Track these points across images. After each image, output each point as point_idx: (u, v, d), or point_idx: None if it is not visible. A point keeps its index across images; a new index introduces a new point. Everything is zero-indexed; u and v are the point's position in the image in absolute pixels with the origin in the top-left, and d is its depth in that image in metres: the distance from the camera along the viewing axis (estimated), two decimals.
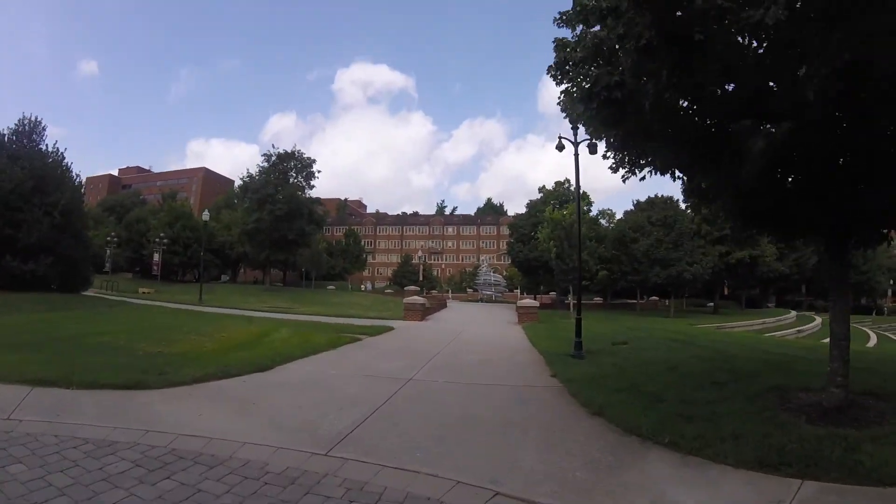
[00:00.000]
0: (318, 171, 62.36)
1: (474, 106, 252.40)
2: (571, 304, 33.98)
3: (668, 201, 59.55)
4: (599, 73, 6.26)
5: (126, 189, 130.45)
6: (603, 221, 51.13)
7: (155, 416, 6.94)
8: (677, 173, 8.22)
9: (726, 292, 64.20)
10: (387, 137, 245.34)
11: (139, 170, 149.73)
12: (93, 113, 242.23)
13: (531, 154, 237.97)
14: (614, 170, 8.70)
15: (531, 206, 54.72)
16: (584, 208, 33.01)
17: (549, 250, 32.62)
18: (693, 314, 47.95)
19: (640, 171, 8.55)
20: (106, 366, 9.66)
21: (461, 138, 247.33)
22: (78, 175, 37.84)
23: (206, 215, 43.62)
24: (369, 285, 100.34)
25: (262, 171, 59.70)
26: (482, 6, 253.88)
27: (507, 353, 15.39)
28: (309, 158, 61.40)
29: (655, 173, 8.04)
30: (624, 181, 9.05)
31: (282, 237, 57.13)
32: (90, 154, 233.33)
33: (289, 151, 60.57)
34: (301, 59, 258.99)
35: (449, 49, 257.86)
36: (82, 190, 39.82)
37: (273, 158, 59.85)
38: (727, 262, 46.93)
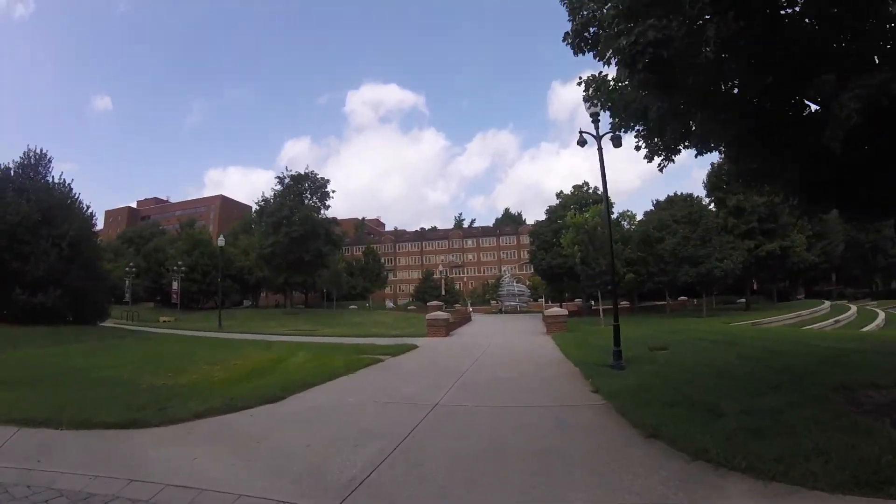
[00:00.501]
0: (333, 191, 61.67)
1: (486, 118, 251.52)
2: (601, 309, 32.83)
3: (689, 198, 58.08)
4: (643, 27, 5.05)
5: (145, 220, 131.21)
6: (624, 223, 49.71)
7: (144, 461, 6.08)
8: (723, 150, 7.29)
9: (755, 287, 62.26)
10: (400, 155, 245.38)
11: (157, 201, 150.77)
12: (108, 148, 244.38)
13: (545, 162, 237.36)
14: (650, 158, 7.83)
15: (551, 211, 53.44)
16: (597, 218, 31.72)
17: (573, 255, 31.47)
18: (725, 312, 46.35)
19: (677, 155, 7.67)
20: (103, 402, 8.92)
21: (474, 151, 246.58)
22: (88, 206, 37.89)
23: (221, 241, 43.16)
24: (391, 303, 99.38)
25: (277, 195, 59.11)
26: (487, 20, 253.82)
27: (539, 367, 14.40)
28: (322, 179, 60.84)
29: (702, 153, 7.06)
30: (661, 169, 8.08)
31: (298, 259, 56.21)
32: (108, 188, 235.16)
33: (302, 173, 59.93)
34: (311, 84, 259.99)
35: (457, 64, 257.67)
36: (93, 220, 39.80)
37: (287, 181, 59.29)
38: (756, 255, 45.23)
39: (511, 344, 22.06)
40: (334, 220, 63.24)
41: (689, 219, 44.23)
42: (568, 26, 6.72)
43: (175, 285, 59.30)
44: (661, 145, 7.55)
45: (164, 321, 48.82)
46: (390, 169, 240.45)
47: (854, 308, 50.69)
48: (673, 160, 7.85)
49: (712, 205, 49.74)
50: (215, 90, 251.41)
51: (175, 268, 59.97)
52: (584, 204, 44.97)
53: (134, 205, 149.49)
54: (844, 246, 59.93)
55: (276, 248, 55.91)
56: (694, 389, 8.86)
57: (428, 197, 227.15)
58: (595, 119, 13.49)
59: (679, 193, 59.16)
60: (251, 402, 9.12)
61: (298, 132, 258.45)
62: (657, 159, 7.86)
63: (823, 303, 52.93)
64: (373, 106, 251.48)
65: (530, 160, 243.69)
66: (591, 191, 50.01)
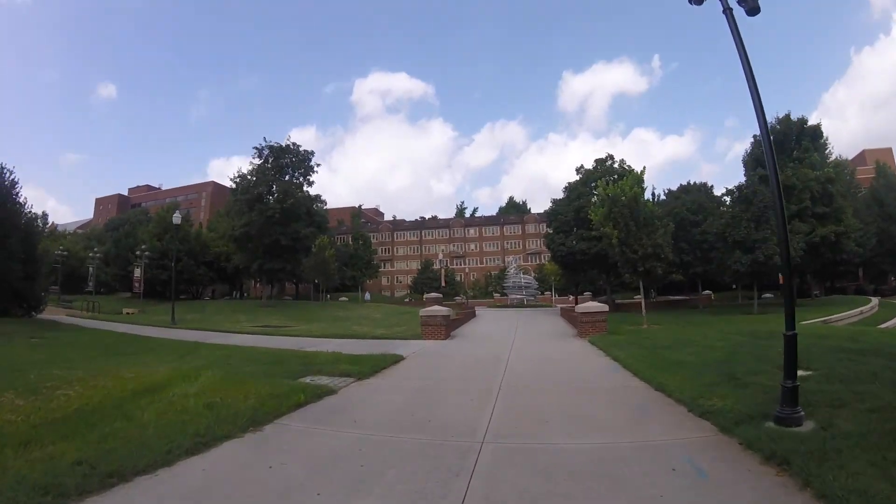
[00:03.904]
0: (318, 165, 54.14)
1: (495, 109, 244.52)
2: (643, 304, 26.03)
3: (703, 187, 51.81)
4: None
5: (135, 208, 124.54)
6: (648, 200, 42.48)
7: None
8: None
9: (781, 281, 55.33)
10: (407, 146, 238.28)
11: (148, 188, 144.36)
12: (112, 136, 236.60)
13: (553, 154, 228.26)
14: None
15: (570, 189, 45.17)
16: (637, 188, 24.81)
17: (609, 235, 24.62)
18: (772, 308, 39.56)
19: None
20: None
21: (482, 142, 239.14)
22: (18, 193, 33.28)
23: (177, 217, 36.51)
24: (383, 295, 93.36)
25: (254, 170, 51.27)
26: (500, 10, 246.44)
27: (619, 415, 7.78)
28: (306, 151, 52.83)
29: None
30: None
31: (275, 242, 48.42)
32: (111, 177, 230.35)
33: (283, 145, 51.81)
34: (319, 72, 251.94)
35: (469, 53, 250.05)
36: (27, 208, 35.15)
37: (265, 153, 51.33)
38: (810, 241, 38.40)
39: (542, 355, 15.25)
40: (318, 197, 55.28)
41: (741, 196, 37.29)
42: None
43: (137, 272, 52.18)
44: None
45: (128, 313, 44.04)
46: (396, 160, 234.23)
47: None
48: None
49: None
50: (222, 79, 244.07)
51: (139, 252, 52.83)
52: (609, 181, 37.67)
53: (125, 192, 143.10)
54: (877, 240, 53.07)
55: (251, 230, 48.18)
56: None
57: (433, 188, 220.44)
58: None
59: (693, 182, 53.68)
60: None
61: (304, 121, 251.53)
62: None
63: (871, 300, 46.24)
64: (381, 95, 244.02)
65: (538, 151, 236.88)
66: (616, 165, 42.88)
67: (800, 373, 9.78)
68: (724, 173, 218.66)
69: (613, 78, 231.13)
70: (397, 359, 12.98)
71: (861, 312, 37.34)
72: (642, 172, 26.32)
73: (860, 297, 54.45)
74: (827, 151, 45.81)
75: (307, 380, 9.97)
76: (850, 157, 73.90)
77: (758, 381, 8.82)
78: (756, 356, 12.06)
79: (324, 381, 9.90)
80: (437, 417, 7.36)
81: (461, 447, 5.92)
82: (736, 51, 7.77)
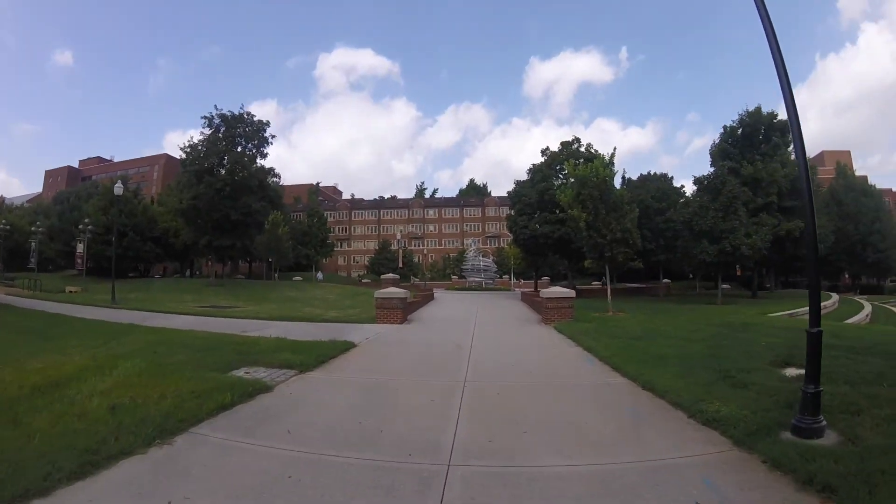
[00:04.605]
0: (273, 136, 51.01)
1: (460, 91, 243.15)
2: (609, 290, 25.08)
3: (664, 178, 51.41)
4: None
5: (86, 181, 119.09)
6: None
7: None
8: None
9: (739, 273, 55.90)
10: (369, 125, 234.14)
11: (100, 160, 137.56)
12: (68, 106, 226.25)
13: (516, 138, 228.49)
14: None
15: (535, 171, 43.78)
16: (605, 170, 23.62)
17: (577, 219, 23.47)
18: (733, 299, 39.31)
19: None
20: None
21: (446, 124, 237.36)
22: None
23: (118, 188, 34.23)
24: (339, 275, 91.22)
25: (205, 140, 47.60)
26: None
27: (611, 422, 6.59)
28: (260, 121, 49.53)
29: None
30: None
31: (224, 217, 45.45)
32: (65, 149, 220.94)
33: (236, 114, 48.16)
34: (282, 44, 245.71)
35: (436, 33, 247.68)
36: None
37: (216, 122, 47.69)
38: (776, 234, 38.28)
39: (508, 343, 14.09)
40: (272, 171, 52.10)
41: (709, 186, 36.63)
42: None
43: (80, 248, 49.21)
44: None
45: (71, 291, 41.12)
46: (358, 138, 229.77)
47: (868, 304, 44.47)
48: None
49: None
50: (183, 48, 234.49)
51: (81, 226, 49.76)
52: (578, 163, 36.27)
53: (76, 164, 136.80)
54: (834, 238, 54.21)
55: (199, 203, 45.05)
56: None
57: (394, 169, 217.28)
58: None
59: (654, 173, 53.45)
60: None
61: (265, 95, 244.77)
62: None
63: (831, 295, 46.77)
64: (345, 71, 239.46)
65: (501, 135, 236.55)
66: (582, 148, 41.28)
67: (796, 371, 8.95)
68: (683, 166, 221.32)
69: (580, 67, 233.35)
70: (347, 346, 11.62)
71: (824, 307, 37.28)
72: (612, 155, 25.07)
73: (822, 293, 54.65)
74: (790, 149, 45.76)
75: (241, 372, 8.60)
76: (810, 157, 75.60)
77: (756, 381, 7.89)
78: (742, 351, 11.19)
79: (260, 373, 8.54)
80: (392, 426, 6.03)
81: (422, 473, 4.63)
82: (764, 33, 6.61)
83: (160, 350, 10.94)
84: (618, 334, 14.34)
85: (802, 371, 8.70)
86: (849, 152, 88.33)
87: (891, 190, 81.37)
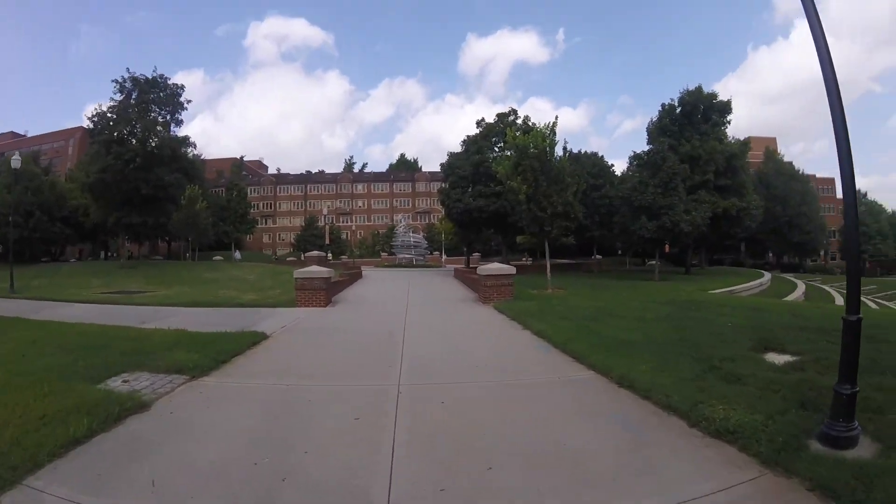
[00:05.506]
0: (189, 101, 46.86)
1: (395, 65, 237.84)
2: (548, 267, 23.86)
3: (594, 157, 50.95)
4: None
5: None
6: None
7: None
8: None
9: (667, 250, 56.38)
10: (300, 97, 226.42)
11: (13, 135, 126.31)
12: None
13: (449, 115, 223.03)
14: None
15: (470, 143, 42.02)
16: (545, 140, 22.29)
17: (516, 191, 22.01)
18: (669, 276, 39.02)
19: None
20: None
21: (379, 98, 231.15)
22: None
23: (15, 161, 30.62)
24: (264, 253, 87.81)
25: (115, 107, 42.56)
26: None
27: (599, 439, 5.02)
28: (175, 85, 45.19)
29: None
30: None
31: (134, 191, 41.17)
32: None
33: (149, 77, 43.49)
34: (211, 10, 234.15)
35: (373, 4, 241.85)
36: None
37: (128, 86, 42.87)
38: (714, 211, 38.36)
39: (447, 328, 12.36)
40: (186, 139, 47.54)
41: (649, 162, 35.90)
42: None
43: None
44: None
45: None
46: (288, 111, 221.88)
47: (800, 282, 45.70)
48: None
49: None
50: (105, 12, 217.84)
51: None
52: (519, 131, 34.66)
53: None
54: (763, 218, 55.82)
55: (106, 176, 40.52)
56: None
57: (324, 143, 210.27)
58: None
59: (585, 151, 52.14)
60: None
61: (191, 64, 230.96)
62: None
63: (764, 273, 47.70)
64: (276, 40, 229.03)
65: (434, 111, 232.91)
66: (519, 121, 39.19)
67: (781, 357, 8.07)
68: (612, 147, 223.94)
69: (517, 45, 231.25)
70: (257, 339, 9.82)
71: (760, 285, 38.05)
72: (554, 124, 23.43)
73: (751, 269, 57.20)
74: (726, 128, 46.11)
75: (118, 381, 6.78)
76: (738, 140, 78.70)
77: (746, 372, 6.77)
78: (709, 333, 10.14)
79: (142, 382, 6.74)
80: (301, 465, 4.31)
81: None
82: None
83: (30, 352, 8.89)
84: (566, 315, 13.07)
85: (788, 357, 8.11)
86: (775, 139, 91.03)
87: (814, 176, 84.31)
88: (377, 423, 5.34)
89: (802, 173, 77.16)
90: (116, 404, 5.63)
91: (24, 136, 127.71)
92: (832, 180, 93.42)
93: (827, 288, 46.26)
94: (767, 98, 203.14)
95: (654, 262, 43.68)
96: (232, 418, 5.58)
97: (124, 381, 6.78)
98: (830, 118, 4.75)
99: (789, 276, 54.75)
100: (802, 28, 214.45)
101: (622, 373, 6.89)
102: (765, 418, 5.00)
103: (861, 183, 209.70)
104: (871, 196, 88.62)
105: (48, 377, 6.78)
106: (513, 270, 18.05)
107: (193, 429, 5.30)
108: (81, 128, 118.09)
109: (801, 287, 41.24)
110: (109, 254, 71.15)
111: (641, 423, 5.33)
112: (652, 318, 12.40)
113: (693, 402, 5.58)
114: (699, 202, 36.10)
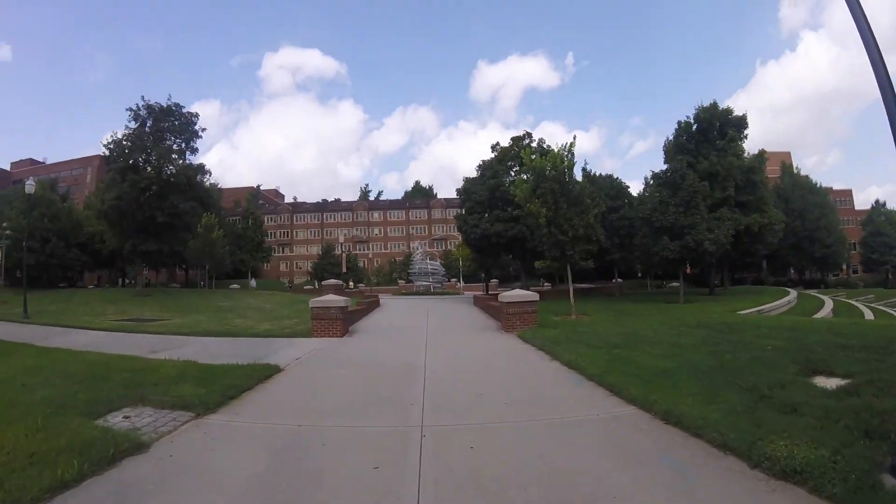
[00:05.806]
0: (203, 130, 46.81)
1: (408, 93, 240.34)
2: (571, 291, 23.21)
3: (609, 178, 50.46)
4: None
5: (17, 184, 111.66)
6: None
7: None
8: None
9: (689, 271, 55.41)
10: (315, 127, 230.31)
11: (32, 162, 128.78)
12: (4, 104, 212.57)
13: (462, 141, 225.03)
14: None
15: (485, 167, 41.95)
16: (564, 161, 21.75)
17: (535, 214, 21.43)
18: (692, 297, 38.04)
19: None
20: None
21: (393, 126, 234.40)
22: None
23: (30, 186, 30.54)
24: (280, 281, 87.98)
25: (130, 135, 42.94)
26: None
27: (658, 496, 4.25)
28: (190, 114, 45.19)
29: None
30: None
31: (149, 219, 41.32)
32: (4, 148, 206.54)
33: (164, 106, 43.81)
34: (226, 42, 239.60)
35: (385, 34, 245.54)
36: None
37: (143, 115, 43.30)
38: (737, 229, 37.25)
39: (470, 360, 11.78)
40: (202, 167, 47.91)
41: (668, 181, 35.21)
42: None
43: None
44: None
45: None
46: (303, 140, 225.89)
47: (827, 299, 44.47)
48: None
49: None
50: (123, 42, 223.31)
51: None
52: (536, 153, 34.22)
53: (7, 167, 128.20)
54: (783, 234, 54.73)
55: (122, 204, 40.79)
56: None
57: (340, 172, 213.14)
58: None
59: (600, 174, 51.69)
60: None
61: (207, 94, 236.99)
62: None
63: (789, 291, 46.71)
64: (291, 71, 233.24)
65: (448, 138, 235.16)
66: (534, 144, 39.75)
67: (831, 380, 7.71)
68: (625, 168, 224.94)
69: (527, 71, 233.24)
70: (270, 372, 9.24)
71: (788, 303, 37.15)
72: (572, 144, 22.89)
73: (775, 287, 55.62)
74: (743, 143, 45.34)
75: (118, 417, 6.32)
76: (753, 155, 77.91)
77: (800, 400, 6.26)
78: (751, 357, 9.51)
79: (143, 419, 6.25)
80: None
81: None
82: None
83: (32, 381, 8.51)
84: (594, 342, 12.37)
85: (839, 380, 7.43)
86: (789, 153, 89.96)
87: (831, 188, 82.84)
88: (399, 473, 4.74)
89: (820, 186, 75.69)
90: (112, 444, 5.14)
91: (43, 162, 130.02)
92: (849, 192, 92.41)
93: (854, 302, 45.10)
94: (779, 112, 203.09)
95: (675, 283, 42.83)
96: (237, 464, 4.99)
97: (125, 417, 6.32)
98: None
99: (813, 293, 53.58)
100: (809, 39, 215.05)
101: (667, 407, 6.28)
102: (831, 453, 4.53)
103: (879, 192, 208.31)
104: (889, 206, 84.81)
105: (45, 410, 6.35)
106: (536, 297, 17.38)
107: (193, 475, 4.75)
108: (99, 156, 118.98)
109: (829, 303, 40.12)
110: (127, 281, 71.30)
111: (697, 467, 4.70)
112: (686, 343, 11.70)
113: (751, 438, 4.99)
114: (721, 220, 35.19)
